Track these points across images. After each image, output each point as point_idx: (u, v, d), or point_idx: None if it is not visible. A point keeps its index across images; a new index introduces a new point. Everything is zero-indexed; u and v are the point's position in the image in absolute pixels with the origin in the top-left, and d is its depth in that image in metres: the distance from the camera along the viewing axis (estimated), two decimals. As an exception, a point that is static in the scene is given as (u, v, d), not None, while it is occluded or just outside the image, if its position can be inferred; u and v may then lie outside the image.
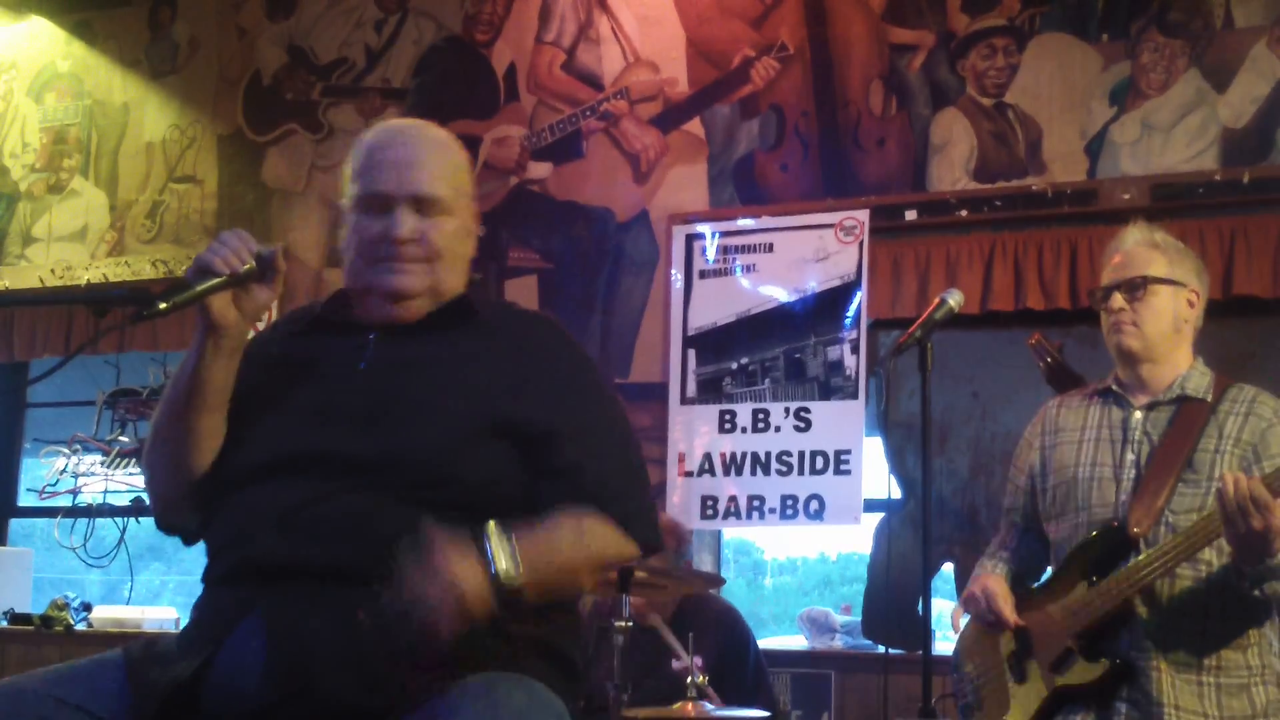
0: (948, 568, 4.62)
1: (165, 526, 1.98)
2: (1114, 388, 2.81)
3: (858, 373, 4.50)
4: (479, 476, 1.78)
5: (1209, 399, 2.71)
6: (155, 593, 9.40)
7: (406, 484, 1.75)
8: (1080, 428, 2.83)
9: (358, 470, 1.75)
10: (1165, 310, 2.74)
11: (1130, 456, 2.71)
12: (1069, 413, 2.88)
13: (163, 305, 1.72)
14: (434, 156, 1.96)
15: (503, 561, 1.68)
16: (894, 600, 4.37)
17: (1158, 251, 2.78)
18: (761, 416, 4.61)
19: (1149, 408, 2.75)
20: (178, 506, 1.91)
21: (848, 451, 4.46)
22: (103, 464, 5.76)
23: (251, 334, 1.94)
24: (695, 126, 4.99)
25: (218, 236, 1.83)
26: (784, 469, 4.53)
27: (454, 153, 2.01)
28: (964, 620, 2.92)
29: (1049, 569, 2.86)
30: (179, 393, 1.85)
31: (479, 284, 2.06)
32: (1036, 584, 2.87)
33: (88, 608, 5.56)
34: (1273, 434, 2.65)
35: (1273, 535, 2.38)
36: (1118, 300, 2.74)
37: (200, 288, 1.76)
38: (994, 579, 2.82)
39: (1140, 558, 2.58)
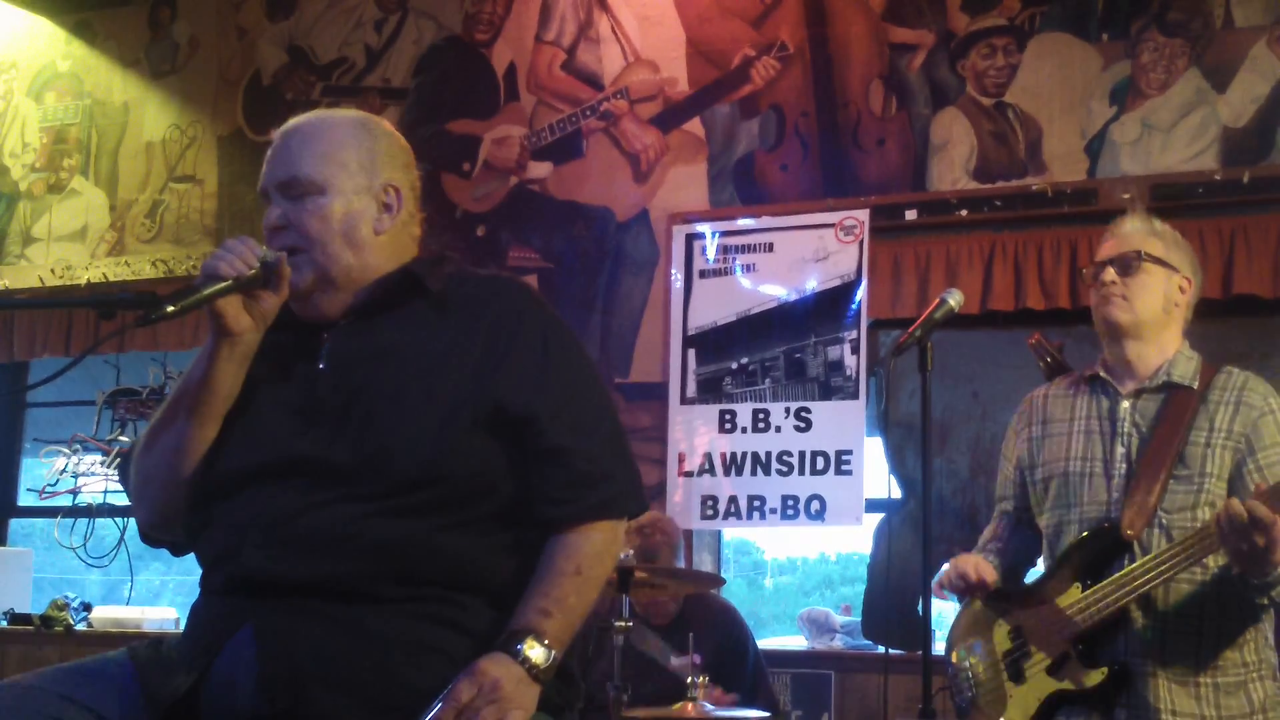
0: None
1: (152, 539, 1.91)
2: (1101, 373, 2.78)
3: (858, 373, 4.50)
4: (465, 470, 1.75)
5: (1196, 386, 2.67)
6: (155, 593, 9.39)
7: (392, 487, 1.73)
8: (1068, 419, 2.79)
9: (340, 477, 1.74)
10: (1157, 289, 2.72)
11: (1120, 450, 2.68)
12: (1056, 402, 2.85)
13: (170, 309, 1.72)
14: (306, 140, 1.88)
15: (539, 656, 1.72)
16: (894, 600, 4.37)
17: (1155, 237, 2.77)
18: (762, 416, 4.61)
19: (1136, 395, 2.71)
20: (168, 517, 1.86)
21: (849, 452, 4.46)
22: (103, 464, 5.76)
23: None
24: (695, 126, 4.99)
25: (223, 243, 1.82)
26: (784, 469, 4.53)
27: (335, 130, 1.89)
28: (951, 599, 2.89)
29: (1040, 561, 2.84)
30: (188, 399, 1.83)
31: (437, 259, 1.96)
32: (1030, 581, 2.85)
33: (88, 608, 5.57)
34: (1264, 424, 2.62)
35: (1275, 548, 2.35)
36: (1110, 274, 2.72)
37: (206, 292, 1.76)
38: (963, 556, 2.81)
39: (1135, 565, 2.56)
